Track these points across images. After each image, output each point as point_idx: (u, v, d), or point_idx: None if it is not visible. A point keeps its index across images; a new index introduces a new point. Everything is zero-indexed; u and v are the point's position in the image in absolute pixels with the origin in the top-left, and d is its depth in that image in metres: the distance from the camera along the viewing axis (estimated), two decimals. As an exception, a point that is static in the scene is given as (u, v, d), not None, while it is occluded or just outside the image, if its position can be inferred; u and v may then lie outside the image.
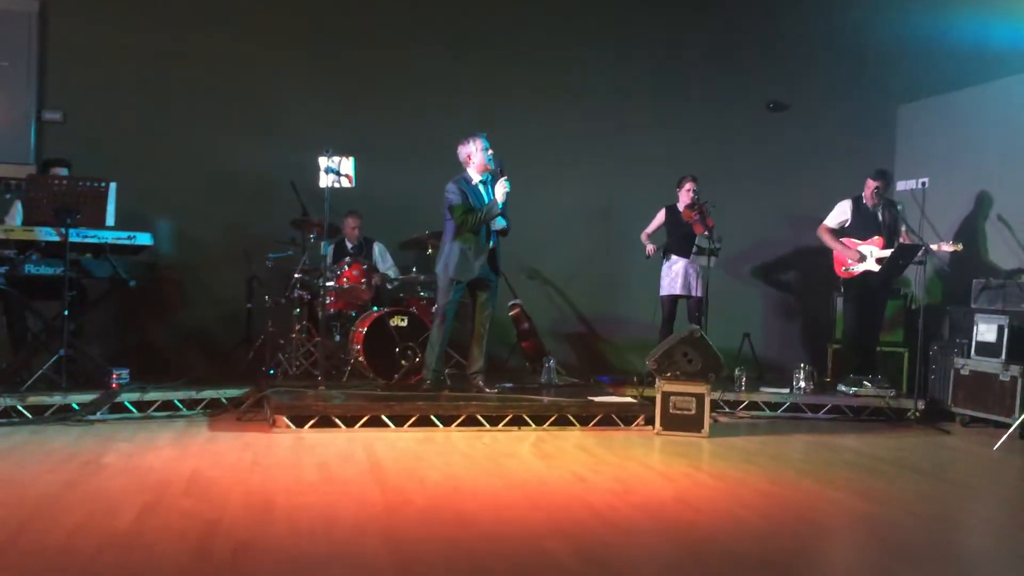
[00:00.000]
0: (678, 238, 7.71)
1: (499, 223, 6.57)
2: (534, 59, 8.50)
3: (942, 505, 4.75)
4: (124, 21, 7.64)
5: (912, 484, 5.19)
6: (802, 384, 7.46)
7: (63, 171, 6.63)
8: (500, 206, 6.50)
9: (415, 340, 6.98)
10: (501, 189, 6.48)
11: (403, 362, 6.93)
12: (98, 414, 6.08)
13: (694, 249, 7.61)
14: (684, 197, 7.73)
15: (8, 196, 6.38)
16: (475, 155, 6.57)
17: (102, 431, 5.76)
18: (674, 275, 7.72)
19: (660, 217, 7.87)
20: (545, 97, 8.42)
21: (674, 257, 7.75)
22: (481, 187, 6.60)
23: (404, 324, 7.00)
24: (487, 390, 6.67)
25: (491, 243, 6.62)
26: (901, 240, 7.55)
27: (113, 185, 6.35)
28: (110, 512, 3.88)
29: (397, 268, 7.89)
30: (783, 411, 7.34)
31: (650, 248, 7.75)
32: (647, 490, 4.71)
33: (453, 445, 5.72)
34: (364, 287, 7.35)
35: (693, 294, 7.66)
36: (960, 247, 7.41)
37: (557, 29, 8.59)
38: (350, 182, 7.07)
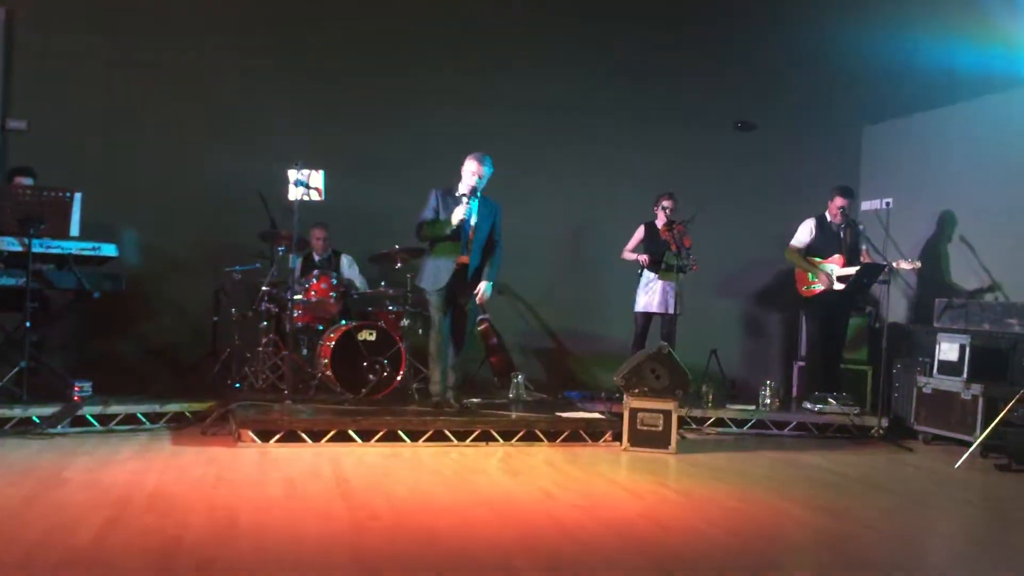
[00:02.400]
0: (653, 256, 7.74)
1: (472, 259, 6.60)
2: (507, 75, 8.51)
3: (904, 521, 4.81)
4: (90, 29, 7.55)
5: (875, 501, 5.25)
6: (768, 401, 7.52)
7: (28, 180, 6.54)
8: (451, 228, 6.47)
9: (383, 354, 6.94)
10: (459, 211, 6.46)
11: (371, 376, 6.89)
12: (59, 427, 5.98)
13: (662, 266, 7.63)
14: (660, 215, 7.78)
15: (-31, 205, 6.27)
16: (464, 171, 6.58)
17: (63, 445, 5.66)
18: (651, 292, 7.76)
19: (639, 234, 7.91)
20: (516, 113, 8.42)
21: (647, 274, 7.78)
22: (464, 201, 6.52)
23: (372, 338, 6.96)
24: (455, 405, 6.64)
25: (463, 255, 6.56)
26: (862, 259, 7.65)
27: (78, 195, 6.27)
28: (70, 528, 3.82)
29: (365, 280, 7.86)
30: (749, 428, 7.39)
31: (642, 258, 7.75)
32: (614, 507, 4.72)
33: (421, 460, 5.69)
34: (332, 300, 7.30)
35: (668, 311, 7.70)
36: (919, 264, 7.54)
37: (530, 46, 8.61)
38: (319, 195, 7.04)
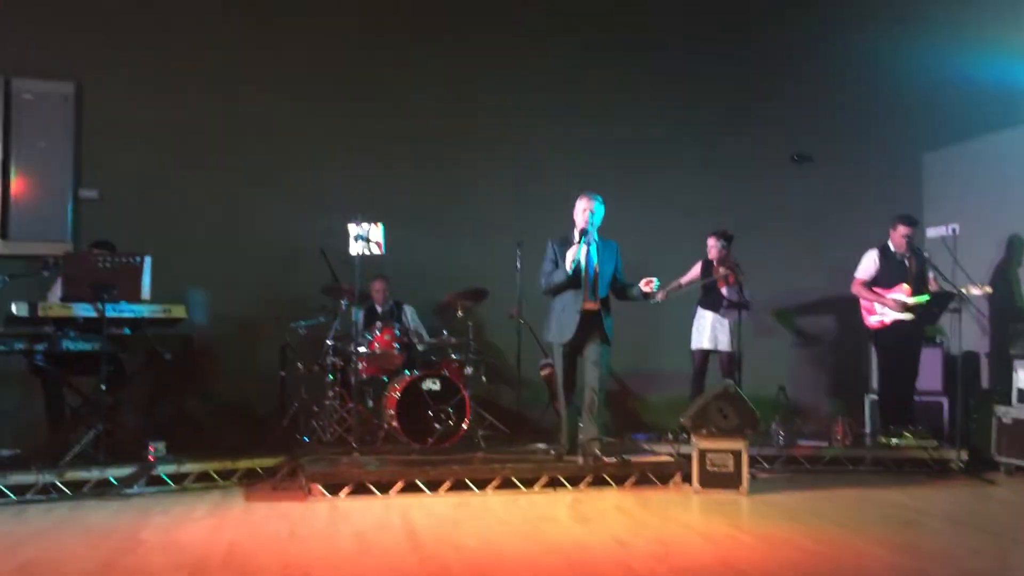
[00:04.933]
0: (707, 292, 7.70)
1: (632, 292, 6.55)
2: (561, 117, 8.58)
3: (994, 560, 4.63)
4: (155, 96, 7.82)
5: (961, 538, 5.07)
6: (840, 437, 7.35)
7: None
8: (568, 274, 6.41)
9: (448, 403, 6.96)
10: (571, 253, 6.41)
11: (436, 425, 6.91)
12: (135, 487, 6.11)
13: (724, 303, 7.59)
14: (710, 253, 7.77)
15: (47, 274, 6.49)
16: (575, 212, 6.53)
17: (139, 504, 5.78)
18: (699, 328, 7.73)
19: (695, 270, 7.89)
20: (571, 156, 8.47)
21: (701, 311, 7.77)
22: (575, 241, 6.46)
23: (437, 387, 6.99)
24: (603, 459, 6.42)
25: (589, 304, 6.44)
26: (930, 288, 7.48)
27: (148, 259, 6.45)
28: (150, 590, 3.88)
29: (426, 331, 7.93)
30: (823, 465, 7.22)
31: (660, 295, 7.69)
32: (689, 552, 4.64)
33: (489, 509, 5.67)
34: (396, 352, 7.37)
35: (721, 348, 7.62)
36: (990, 290, 7.35)
37: (586, 87, 8.68)
38: (379, 249, 7.15)
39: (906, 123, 9.01)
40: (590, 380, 6.50)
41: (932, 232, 8.38)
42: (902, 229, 7.48)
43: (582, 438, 6.57)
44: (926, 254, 7.61)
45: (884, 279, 7.55)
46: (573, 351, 6.59)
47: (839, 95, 8.99)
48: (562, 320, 6.52)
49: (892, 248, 7.57)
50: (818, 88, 8.98)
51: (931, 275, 7.55)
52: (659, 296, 7.63)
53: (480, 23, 8.59)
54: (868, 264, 7.63)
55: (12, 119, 7.54)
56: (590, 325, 6.48)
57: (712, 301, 7.68)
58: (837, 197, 8.89)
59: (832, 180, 8.90)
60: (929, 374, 7.96)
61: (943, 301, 7.33)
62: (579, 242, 6.42)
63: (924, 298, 7.34)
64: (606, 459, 6.44)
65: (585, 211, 6.48)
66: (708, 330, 7.67)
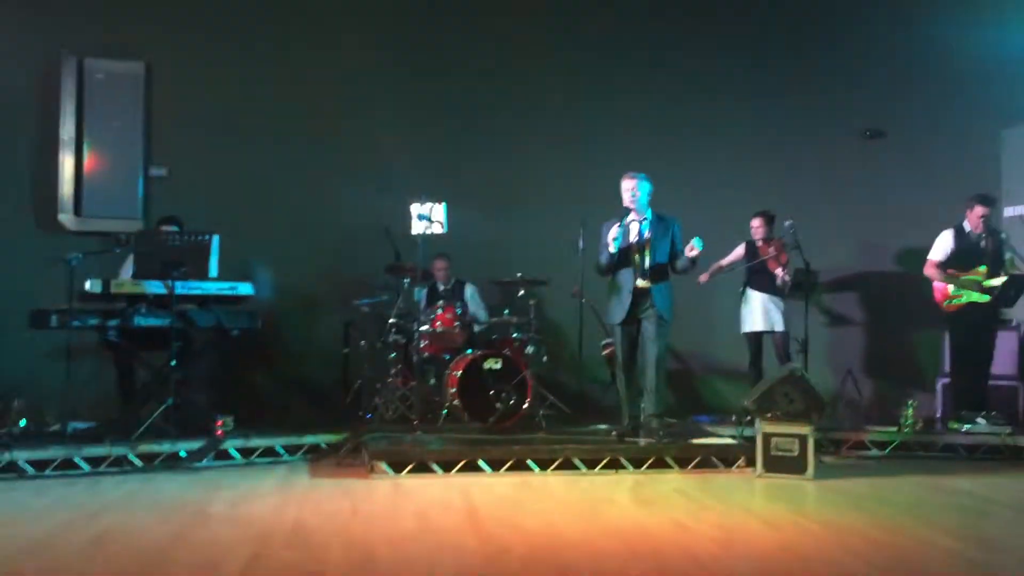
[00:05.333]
0: (754, 272, 7.64)
1: (681, 262, 6.39)
2: (622, 98, 8.49)
3: (1069, 554, 4.49)
4: (221, 77, 7.95)
5: (1034, 530, 4.93)
6: (911, 422, 7.18)
7: (173, 228, 6.89)
8: (611, 254, 6.40)
9: (509, 383, 6.97)
10: (612, 232, 6.41)
11: (498, 404, 6.93)
12: (204, 461, 6.26)
13: (790, 284, 7.47)
14: (755, 233, 7.71)
15: (118, 251, 6.65)
16: (622, 192, 6.50)
17: (208, 478, 5.92)
18: (750, 310, 7.68)
19: (738, 251, 7.84)
20: (634, 136, 8.37)
21: (749, 291, 7.71)
22: (635, 225, 6.48)
23: (498, 367, 7.00)
24: (662, 438, 6.40)
25: (640, 282, 6.42)
26: (1011, 270, 7.23)
27: (216, 238, 6.57)
28: (215, 565, 3.96)
29: (487, 311, 7.93)
30: (891, 450, 7.07)
31: (703, 276, 7.69)
32: (751, 539, 4.57)
33: (550, 490, 5.67)
34: (457, 330, 7.39)
35: (776, 329, 7.52)
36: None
37: (648, 65, 8.58)
38: (442, 228, 7.17)
39: (983, 98, 8.67)
40: (648, 358, 6.45)
41: (1010, 211, 8.10)
42: (979, 209, 7.24)
43: (643, 418, 6.53)
44: (1003, 235, 7.36)
45: (959, 261, 7.32)
46: (631, 330, 6.56)
47: (913, 69, 8.70)
48: (617, 300, 6.52)
49: (968, 229, 7.33)
50: (891, 61, 8.70)
51: (1009, 256, 7.30)
52: (703, 278, 7.59)
53: (547, 4, 8.52)
54: (941, 245, 7.39)
55: (85, 99, 7.71)
56: (644, 303, 6.45)
57: (761, 282, 7.59)
58: (910, 175, 8.62)
59: (905, 157, 8.65)
60: (1004, 358, 7.71)
61: (1021, 284, 7.08)
62: (620, 223, 6.39)
63: (1000, 280, 7.10)
64: (665, 440, 6.39)
65: (627, 191, 6.44)
66: (760, 312, 7.60)
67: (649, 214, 6.52)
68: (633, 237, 6.46)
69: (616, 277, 6.54)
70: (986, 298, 7.16)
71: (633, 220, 6.48)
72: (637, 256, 6.46)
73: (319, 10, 8.18)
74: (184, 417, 6.47)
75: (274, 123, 8.02)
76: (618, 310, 6.51)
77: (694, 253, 6.26)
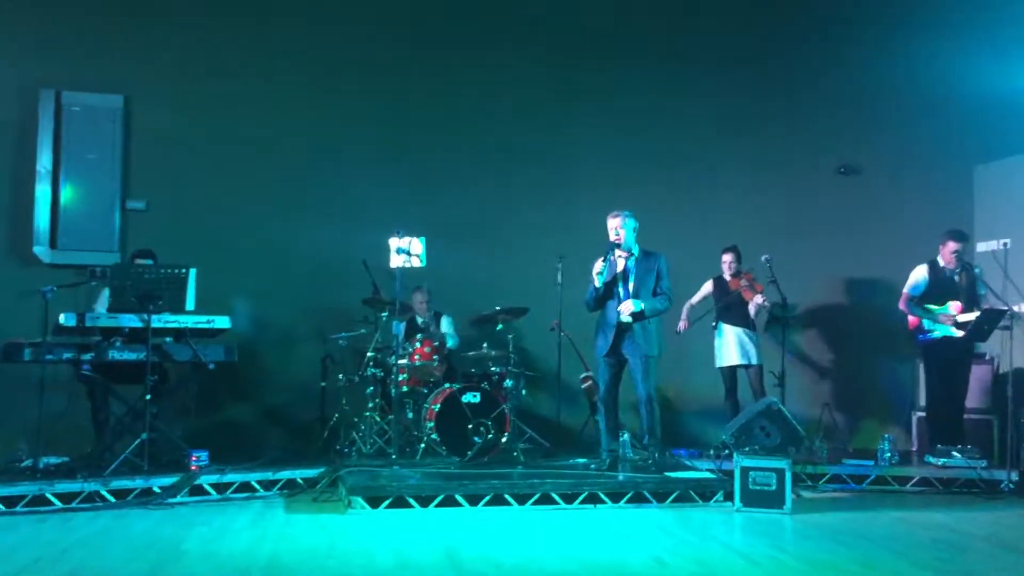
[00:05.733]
0: (725, 307, 7.68)
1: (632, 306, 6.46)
2: (594, 129, 8.57)
3: (1045, 588, 4.51)
4: (201, 112, 7.95)
5: (1011, 565, 4.93)
6: (887, 455, 7.21)
7: (147, 262, 6.84)
8: (596, 288, 6.49)
9: (487, 416, 6.95)
10: (596, 267, 6.49)
11: (476, 439, 6.90)
12: (179, 497, 6.17)
13: (767, 319, 7.52)
14: (724, 269, 7.79)
15: (94, 284, 6.60)
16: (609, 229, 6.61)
17: (182, 514, 5.83)
18: (724, 344, 7.73)
19: (707, 287, 7.90)
20: (614, 170, 8.43)
21: (723, 326, 7.76)
22: (621, 261, 6.61)
23: (476, 400, 6.98)
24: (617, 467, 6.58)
25: (619, 320, 6.50)
26: (983, 304, 7.32)
27: (193, 271, 6.53)
28: (190, 603, 3.90)
29: (458, 339, 7.94)
30: (868, 484, 7.09)
31: (682, 324, 7.77)
32: (730, 574, 4.56)
33: (528, 525, 5.64)
34: (436, 364, 7.37)
35: (752, 362, 7.57)
36: (1041, 306, 7.16)
37: (626, 101, 8.65)
38: (420, 262, 7.17)
39: (956, 135, 8.84)
40: (640, 396, 6.58)
41: (983, 247, 8.20)
42: (952, 245, 7.34)
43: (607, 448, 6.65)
44: (977, 269, 7.46)
45: (934, 295, 7.40)
46: (615, 364, 6.62)
47: (887, 106, 8.86)
48: (602, 334, 6.63)
49: (942, 264, 7.42)
50: (865, 99, 8.85)
51: (984, 291, 7.39)
52: (681, 326, 7.65)
53: (524, 36, 8.61)
54: (916, 279, 7.48)
55: (62, 131, 7.70)
56: (627, 338, 6.50)
57: (734, 316, 7.65)
58: (885, 211, 8.75)
59: (880, 194, 8.77)
60: (978, 392, 7.79)
61: (994, 318, 7.16)
62: (604, 258, 6.47)
63: (973, 315, 7.18)
64: (655, 455, 6.55)
65: (612, 229, 6.55)
66: (734, 345, 7.65)
67: (636, 250, 6.60)
68: (618, 271, 6.55)
69: (602, 312, 6.63)
70: (960, 332, 7.23)
71: (620, 256, 6.58)
72: (621, 291, 6.54)
73: (297, 45, 8.21)
74: (158, 452, 6.41)
75: (252, 156, 8.01)
76: (602, 344, 6.61)
77: (627, 312, 6.41)
